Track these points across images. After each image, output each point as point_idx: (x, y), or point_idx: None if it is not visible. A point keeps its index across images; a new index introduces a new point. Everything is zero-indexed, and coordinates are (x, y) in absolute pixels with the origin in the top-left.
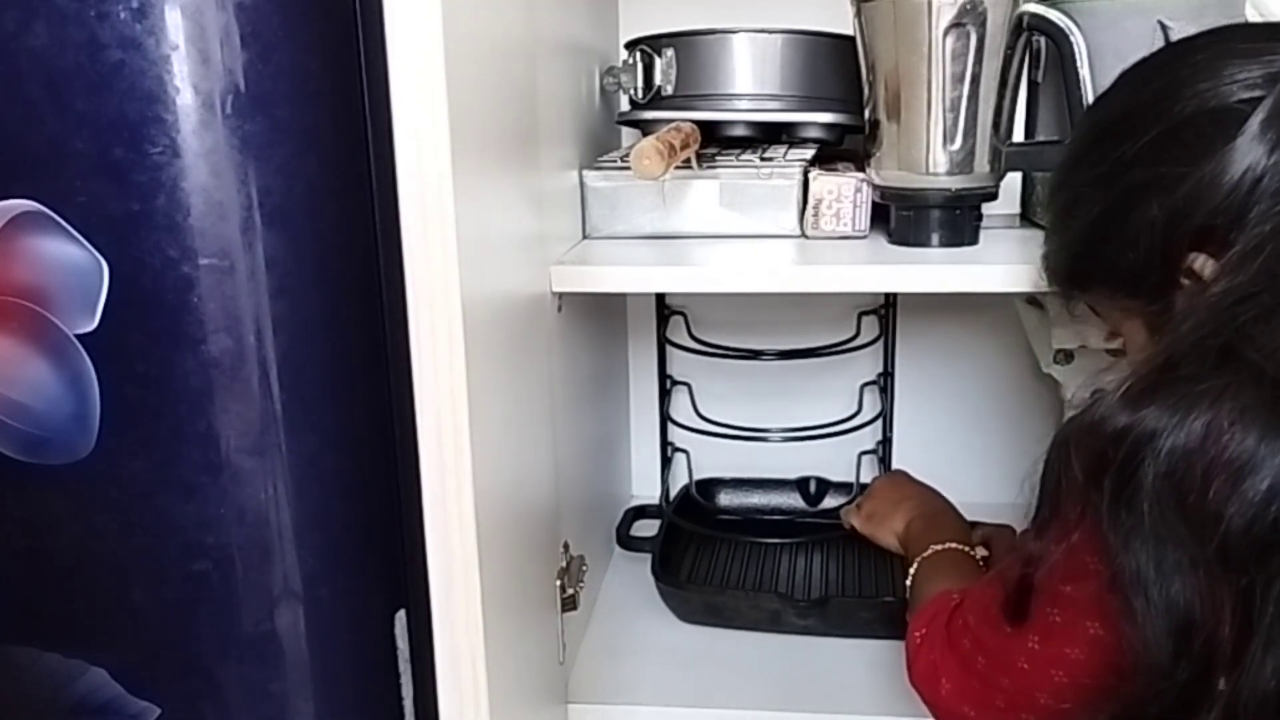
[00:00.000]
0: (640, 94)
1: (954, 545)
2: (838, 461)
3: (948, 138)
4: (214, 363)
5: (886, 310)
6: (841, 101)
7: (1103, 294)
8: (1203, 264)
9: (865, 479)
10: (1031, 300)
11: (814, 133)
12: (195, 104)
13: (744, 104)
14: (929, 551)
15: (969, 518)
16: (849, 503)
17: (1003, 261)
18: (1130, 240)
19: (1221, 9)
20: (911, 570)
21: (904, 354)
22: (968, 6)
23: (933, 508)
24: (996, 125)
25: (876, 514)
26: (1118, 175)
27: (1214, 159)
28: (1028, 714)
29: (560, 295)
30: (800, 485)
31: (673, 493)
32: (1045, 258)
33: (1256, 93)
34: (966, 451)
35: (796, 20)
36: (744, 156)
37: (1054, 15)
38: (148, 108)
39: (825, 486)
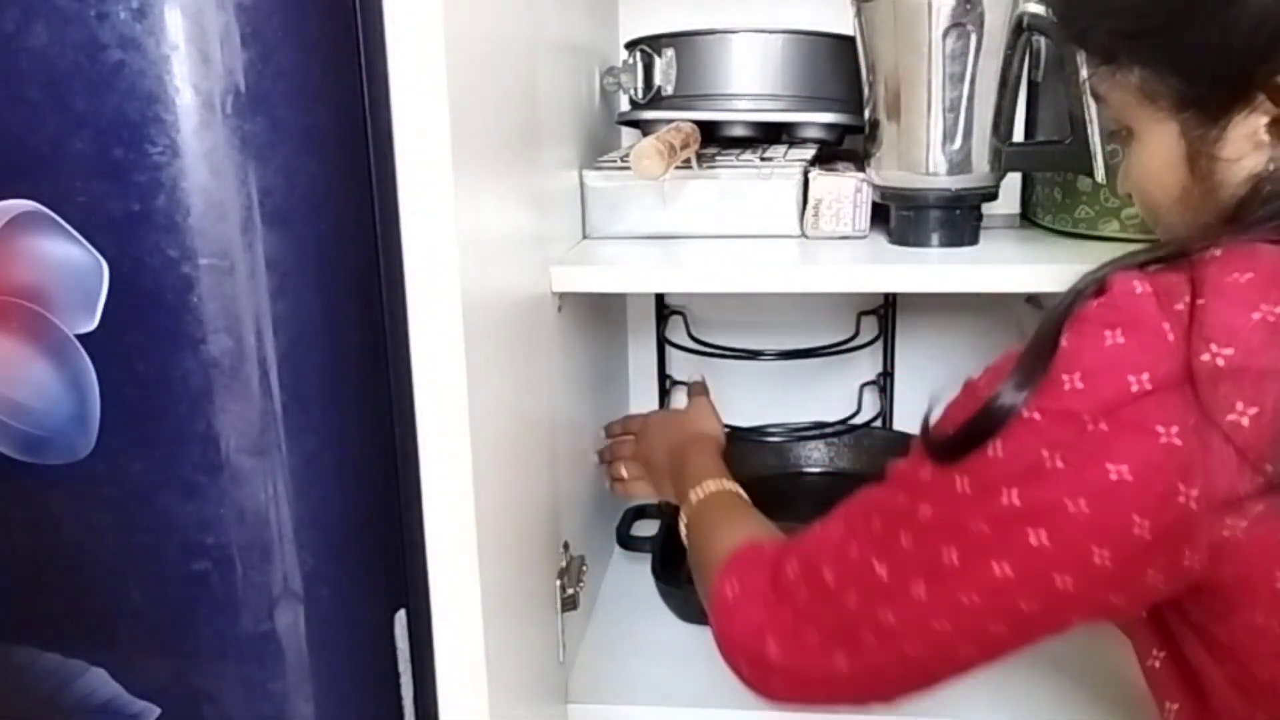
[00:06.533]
0: (640, 94)
1: (730, 485)
2: None
3: (947, 138)
4: (214, 363)
5: (886, 310)
6: (841, 101)
7: (1144, 77)
8: None
9: None
10: (1031, 300)
11: (814, 133)
12: (195, 104)
13: (744, 104)
14: (704, 492)
15: None
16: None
17: (1003, 261)
18: (1227, 31)
19: None
20: (684, 520)
21: (904, 354)
22: (967, 6)
23: (697, 438)
24: (996, 125)
25: (651, 458)
26: None
27: None
28: (914, 643)
29: (560, 295)
30: None
31: None
32: (1078, 18)
33: None
34: None
35: (796, 20)
36: (744, 156)
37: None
38: (148, 108)
39: None
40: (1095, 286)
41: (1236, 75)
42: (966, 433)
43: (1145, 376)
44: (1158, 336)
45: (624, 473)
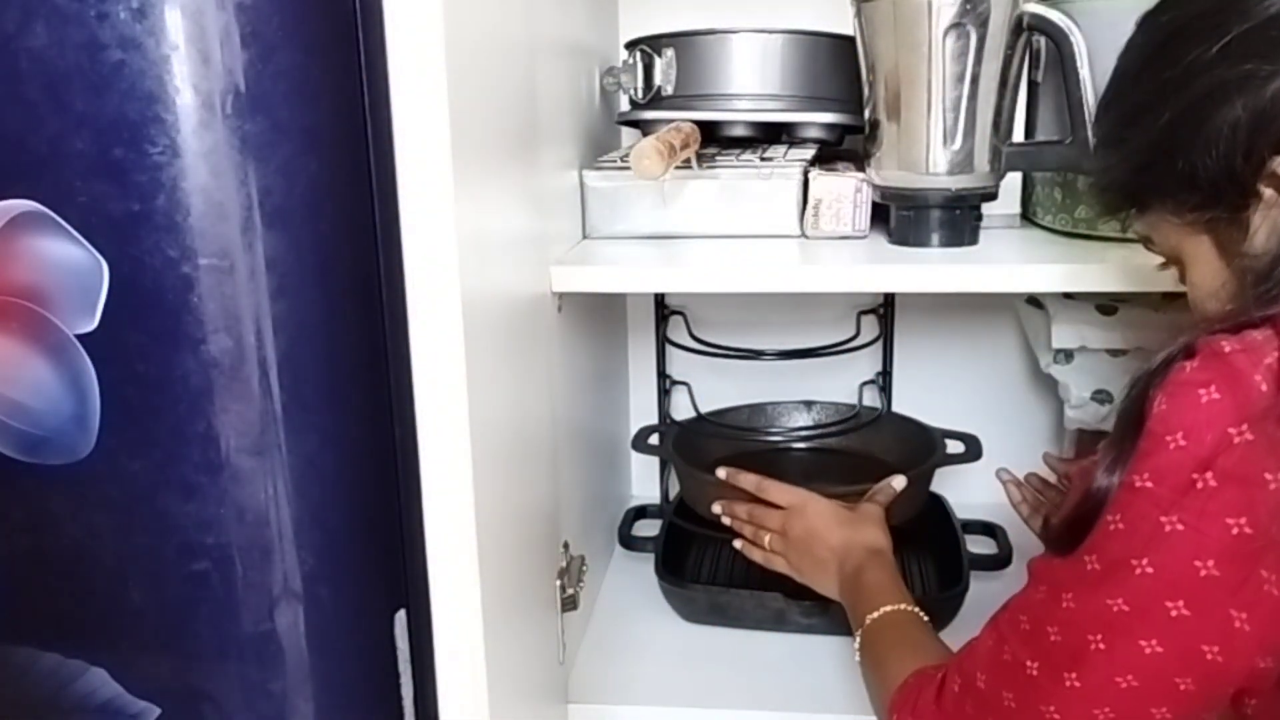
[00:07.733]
0: (640, 94)
1: (906, 607)
2: None
3: (948, 138)
4: (214, 363)
5: (886, 310)
6: (841, 101)
7: (1167, 209)
8: None
9: None
10: (1031, 300)
11: (814, 133)
12: (195, 104)
13: (744, 104)
14: (879, 613)
15: (966, 518)
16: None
17: (1003, 261)
18: (1207, 146)
19: None
20: (859, 636)
21: (903, 354)
22: (968, 6)
23: (874, 553)
24: (996, 125)
25: (806, 545)
26: (1192, 78)
27: None
28: None
29: (560, 295)
30: None
31: (672, 492)
32: (1099, 176)
33: None
34: None
35: (796, 20)
36: (744, 156)
37: (1054, 15)
38: (148, 108)
39: None
40: (1183, 352)
41: (1233, 178)
42: (1077, 515)
43: (1244, 428)
44: (1252, 389)
45: (767, 544)
